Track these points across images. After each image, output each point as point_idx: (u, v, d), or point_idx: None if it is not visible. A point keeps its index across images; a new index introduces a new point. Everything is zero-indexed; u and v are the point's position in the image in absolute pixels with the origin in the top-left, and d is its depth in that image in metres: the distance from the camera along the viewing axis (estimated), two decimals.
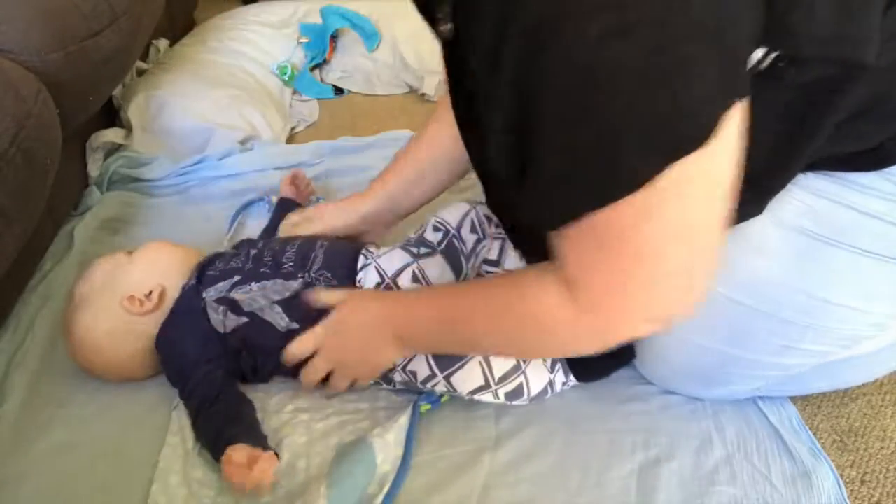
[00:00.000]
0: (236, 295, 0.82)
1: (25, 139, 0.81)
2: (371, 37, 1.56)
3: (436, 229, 0.89)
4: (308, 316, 0.80)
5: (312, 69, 1.57)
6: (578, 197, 0.52)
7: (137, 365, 0.84)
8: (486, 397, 0.79)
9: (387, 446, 0.76)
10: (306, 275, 0.83)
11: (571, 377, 0.82)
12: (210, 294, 0.83)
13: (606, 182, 0.50)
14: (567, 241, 0.57)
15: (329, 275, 0.83)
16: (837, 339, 0.75)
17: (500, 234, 0.90)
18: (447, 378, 0.78)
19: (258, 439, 0.75)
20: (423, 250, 0.86)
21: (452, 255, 0.87)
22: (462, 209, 0.90)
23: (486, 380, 0.78)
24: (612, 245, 0.54)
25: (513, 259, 0.89)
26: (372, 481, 0.74)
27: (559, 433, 0.82)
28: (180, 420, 0.80)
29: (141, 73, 1.41)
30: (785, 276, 0.71)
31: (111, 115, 1.31)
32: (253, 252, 0.87)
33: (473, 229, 0.90)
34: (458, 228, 0.89)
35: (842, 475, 0.78)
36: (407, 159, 0.95)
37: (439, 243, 0.87)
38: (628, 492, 0.76)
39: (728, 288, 0.73)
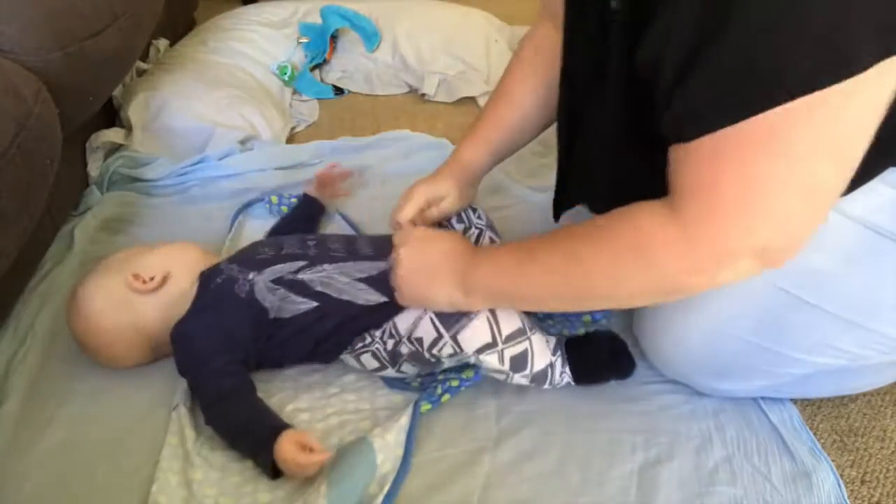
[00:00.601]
0: (304, 276, 0.83)
1: (25, 139, 0.81)
2: (371, 37, 1.56)
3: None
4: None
5: (312, 69, 1.57)
6: (772, 84, 0.50)
7: (122, 341, 0.85)
8: (492, 359, 0.77)
9: (387, 446, 0.76)
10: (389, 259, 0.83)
11: (567, 370, 0.81)
12: (264, 276, 0.83)
13: (818, 65, 0.49)
14: (699, 151, 0.55)
15: None
16: (878, 342, 0.74)
17: (480, 224, 0.94)
18: (454, 337, 0.76)
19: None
20: None
21: None
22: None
23: (493, 336, 0.76)
24: (761, 150, 0.52)
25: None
26: (372, 481, 0.74)
27: (559, 433, 0.82)
28: (180, 420, 0.80)
29: (141, 73, 1.41)
30: (843, 269, 0.69)
31: (111, 115, 1.31)
32: (311, 242, 0.88)
33: (460, 219, 0.95)
34: (448, 220, 0.94)
35: (842, 475, 0.78)
36: (499, 124, 0.92)
37: None
38: (628, 492, 0.76)
39: (775, 273, 0.69)
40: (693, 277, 0.60)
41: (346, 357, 0.86)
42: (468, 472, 0.77)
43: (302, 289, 0.82)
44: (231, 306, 0.83)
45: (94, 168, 1.20)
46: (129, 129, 1.28)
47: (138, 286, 0.85)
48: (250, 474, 0.76)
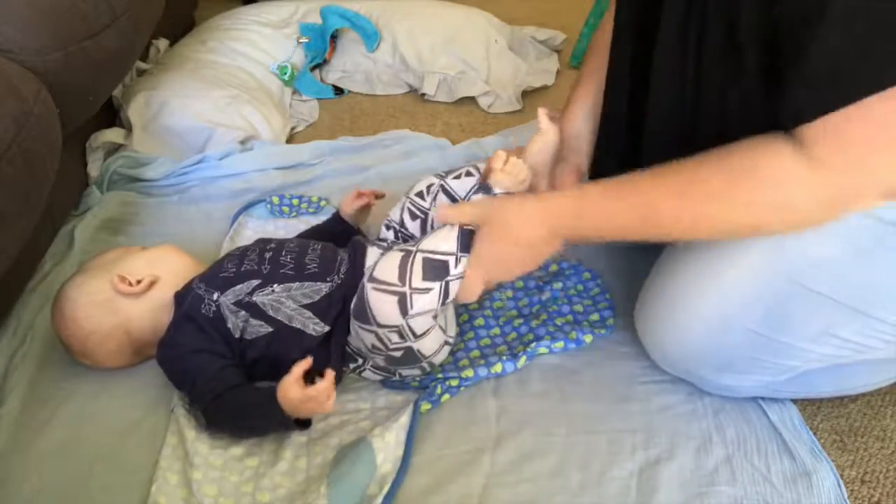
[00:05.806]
0: (257, 298, 0.82)
1: (25, 139, 0.81)
2: (371, 37, 1.56)
3: (387, 227, 0.93)
4: (340, 318, 0.82)
5: (312, 69, 1.57)
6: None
7: (107, 344, 0.84)
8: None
9: (387, 446, 0.76)
10: (335, 277, 0.83)
11: None
12: (227, 298, 0.82)
13: None
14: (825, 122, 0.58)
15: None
16: (881, 330, 0.74)
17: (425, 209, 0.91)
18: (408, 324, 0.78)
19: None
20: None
21: None
22: (399, 204, 0.93)
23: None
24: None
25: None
26: (372, 481, 0.74)
27: (559, 433, 0.82)
28: (179, 421, 0.80)
29: (141, 73, 1.41)
30: (851, 258, 0.70)
31: (111, 115, 1.31)
32: (268, 255, 0.86)
33: (413, 216, 0.92)
34: (401, 224, 0.92)
35: (842, 475, 0.78)
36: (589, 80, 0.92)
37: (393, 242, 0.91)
38: (628, 492, 0.76)
39: (784, 262, 0.72)
40: (823, 212, 0.65)
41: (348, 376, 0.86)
42: (468, 472, 0.77)
43: (257, 312, 0.82)
44: (201, 326, 0.82)
45: (94, 168, 1.20)
46: (129, 129, 1.28)
47: (124, 288, 0.84)
48: (250, 474, 0.76)
